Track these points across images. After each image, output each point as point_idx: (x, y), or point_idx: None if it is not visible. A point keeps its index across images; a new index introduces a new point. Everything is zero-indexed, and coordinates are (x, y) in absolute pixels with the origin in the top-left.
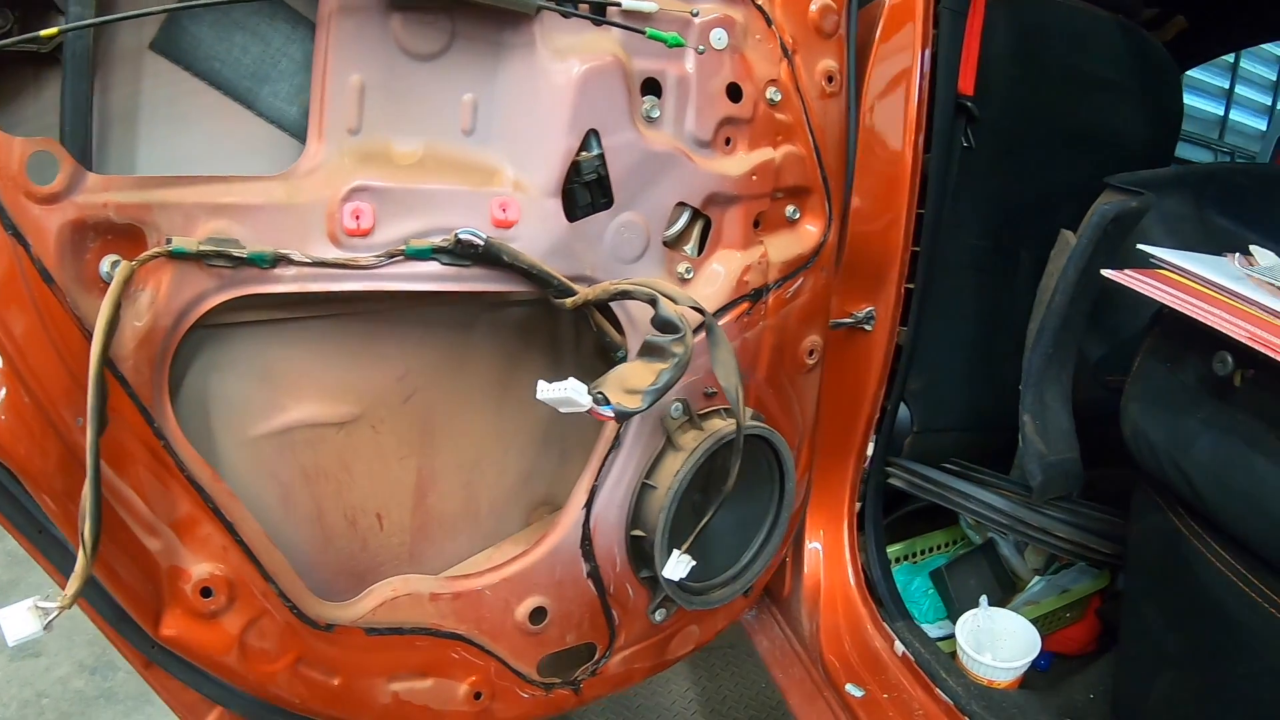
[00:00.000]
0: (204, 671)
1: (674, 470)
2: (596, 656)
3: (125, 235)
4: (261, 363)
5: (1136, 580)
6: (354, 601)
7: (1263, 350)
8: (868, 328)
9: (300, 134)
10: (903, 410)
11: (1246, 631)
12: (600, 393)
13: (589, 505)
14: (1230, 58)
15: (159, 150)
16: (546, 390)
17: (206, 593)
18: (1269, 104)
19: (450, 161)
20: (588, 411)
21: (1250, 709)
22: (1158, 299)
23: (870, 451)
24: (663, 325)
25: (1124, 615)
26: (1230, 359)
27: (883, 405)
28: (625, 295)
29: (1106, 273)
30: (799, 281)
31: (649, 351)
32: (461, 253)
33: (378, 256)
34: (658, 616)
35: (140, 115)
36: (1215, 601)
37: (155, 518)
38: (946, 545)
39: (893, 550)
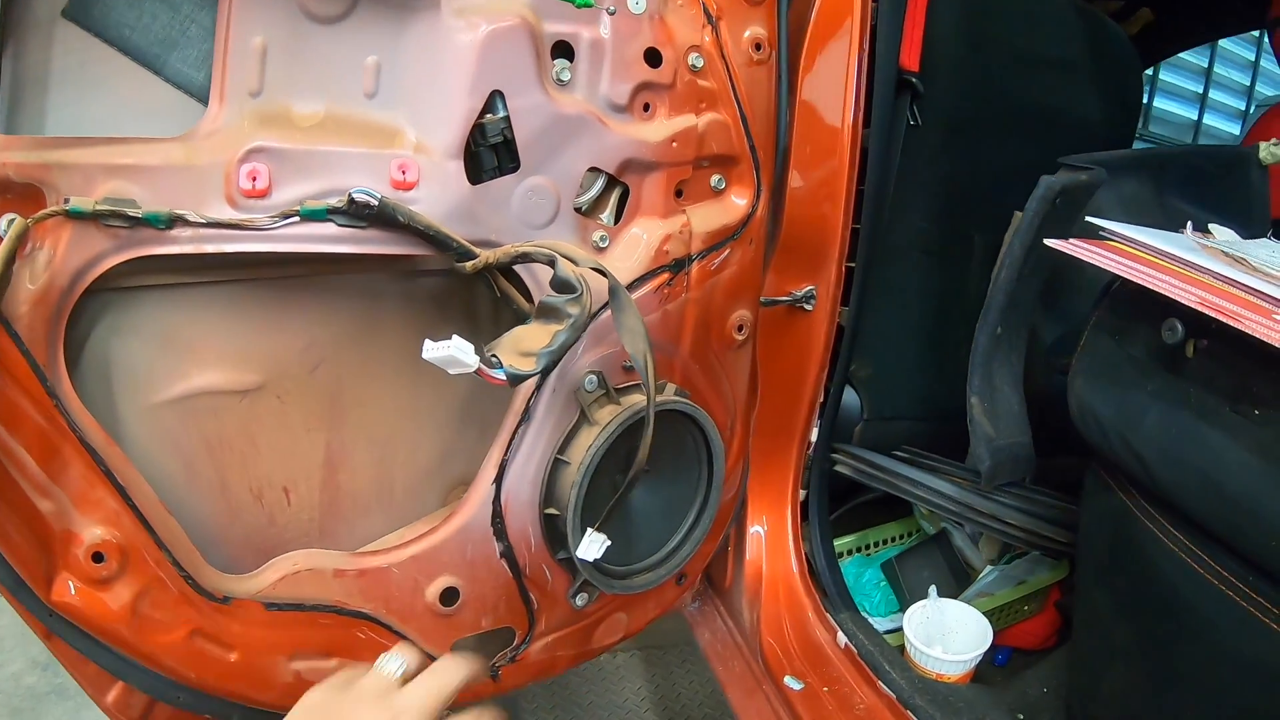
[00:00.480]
0: (101, 642)
1: (587, 445)
2: (515, 642)
3: (25, 195)
4: (163, 328)
5: (1088, 567)
6: (254, 575)
7: (1214, 315)
8: (807, 307)
9: (207, 99)
10: (852, 397)
11: (1199, 617)
12: (494, 355)
13: (499, 481)
14: (1204, 61)
15: (69, 115)
16: (432, 349)
17: (98, 558)
18: (1242, 108)
19: (351, 124)
20: (475, 373)
21: (1203, 699)
22: (1103, 267)
23: (814, 437)
24: (560, 286)
25: (1076, 605)
26: (1180, 326)
27: (826, 388)
28: (525, 258)
29: (1050, 242)
30: (725, 254)
31: (545, 313)
32: (356, 213)
33: (273, 218)
34: (579, 601)
35: (51, 80)
36: (1167, 585)
37: (47, 479)
38: (901, 537)
39: (844, 542)
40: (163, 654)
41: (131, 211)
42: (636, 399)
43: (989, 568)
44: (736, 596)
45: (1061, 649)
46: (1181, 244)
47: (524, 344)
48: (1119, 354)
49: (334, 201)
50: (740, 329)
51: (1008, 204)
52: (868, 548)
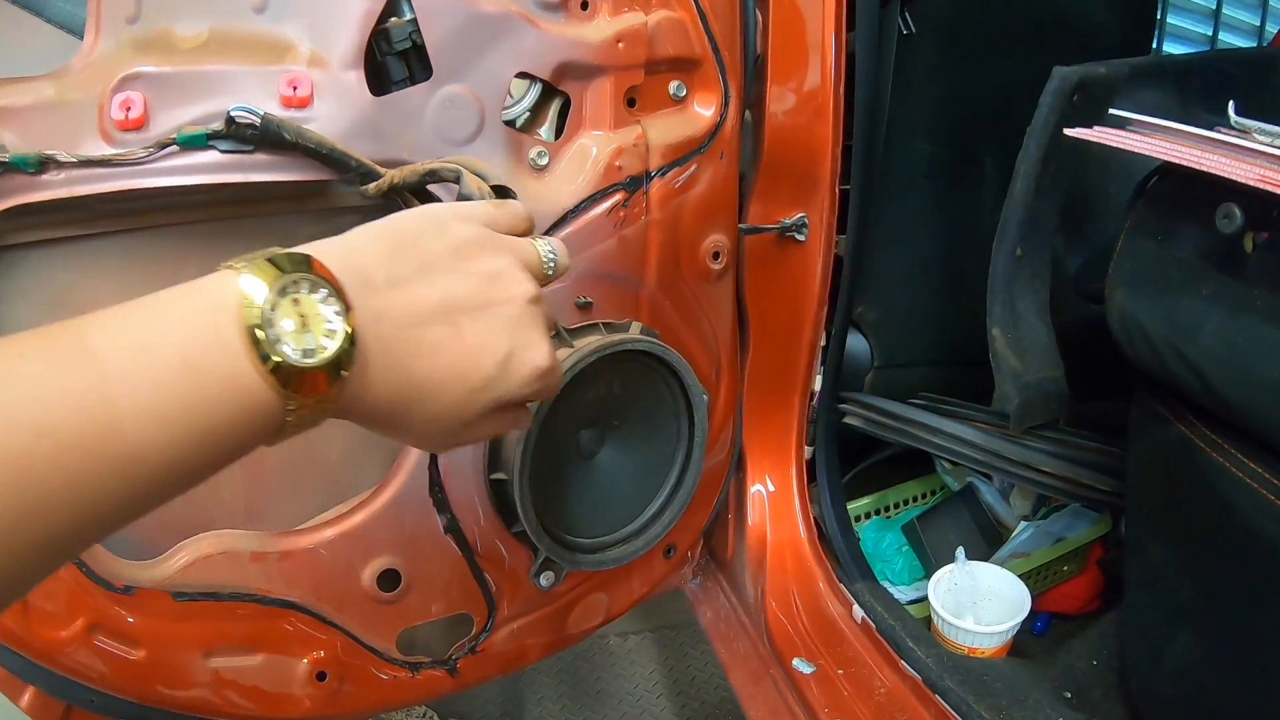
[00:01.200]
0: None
1: None
2: (474, 631)
3: None
4: (53, 288)
5: (1140, 516)
6: (159, 560)
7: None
8: (799, 237)
9: None
10: (860, 344)
11: None
12: None
13: None
14: None
15: None
16: None
17: None
18: (1258, 23)
19: (238, 41)
20: None
21: None
22: (1141, 151)
23: (817, 386)
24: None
25: (1126, 563)
26: (1238, 212)
27: (827, 330)
28: (434, 176)
29: (1071, 131)
30: (691, 169)
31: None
32: (239, 136)
33: (149, 149)
34: (543, 581)
35: None
36: (1242, 528)
37: None
38: (923, 496)
39: (861, 504)
40: (59, 652)
41: None
42: (593, 340)
43: (1023, 524)
44: (739, 569)
45: (1110, 614)
46: (1221, 135)
47: None
48: (1164, 257)
49: (214, 126)
50: (716, 256)
51: (1019, 123)
52: (887, 509)
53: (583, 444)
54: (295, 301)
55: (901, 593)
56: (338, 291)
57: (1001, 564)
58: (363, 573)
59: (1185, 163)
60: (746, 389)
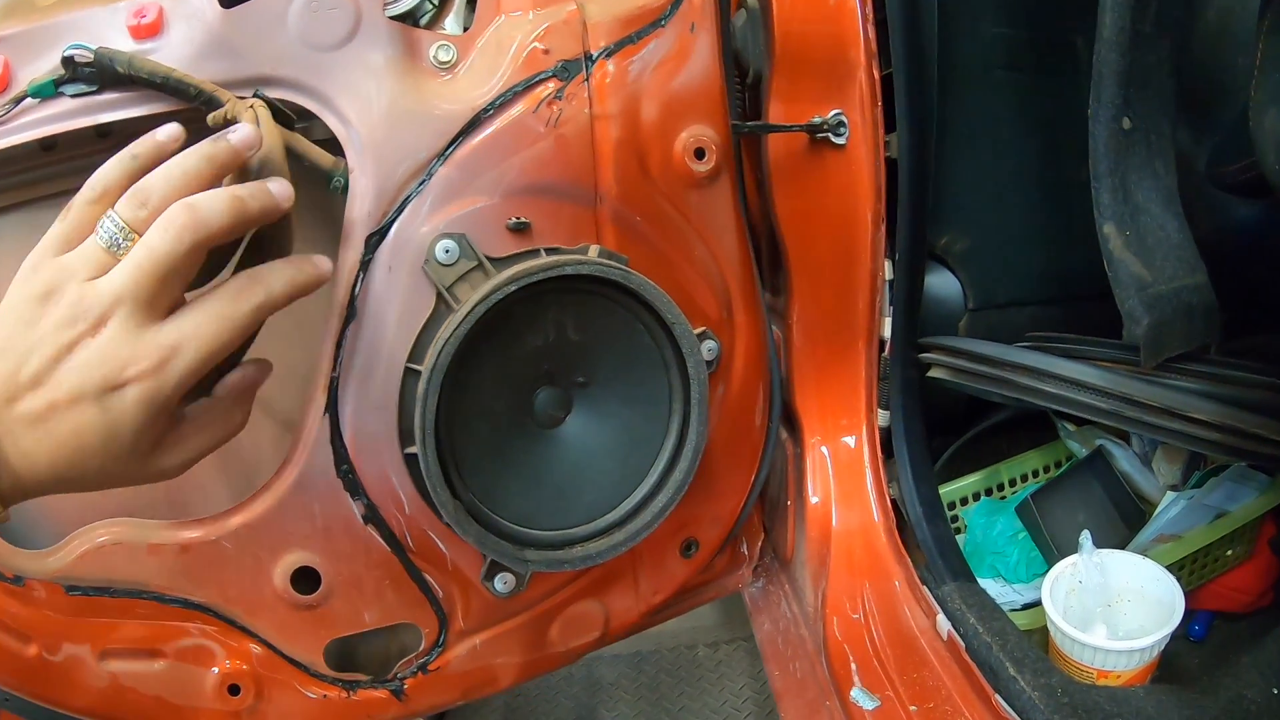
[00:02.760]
0: None
1: (443, 340)
2: (423, 646)
3: None
4: None
5: None
6: (53, 550)
7: None
8: (837, 139)
9: None
10: (950, 282)
11: None
12: None
13: (332, 409)
14: None
15: None
16: None
17: None
18: None
19: None
20: None
21: None
22: None
23: (887, 332)
24: None
25: None
26: None
27: (890, 256)
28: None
29: None
30: (648, 46)
31: None
32: (81, 76)
33: (5, 106)
34: (499, 586)
35: None
36: None
37: None
38: (1046, 470)
39: (968, 483)
40: None
41: None
42: (520, 267)
43: (1170, 495)
44: (799, 568)
45: None
46: None
47: None
48: None
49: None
50: (701, 155)
51: None
52: (1000, 488)
53: (539, 410)
54: None
55: (1019, 593)
56: None
57: (1143, 551)
58: (273, 570)
59: None
60: (796, 337)
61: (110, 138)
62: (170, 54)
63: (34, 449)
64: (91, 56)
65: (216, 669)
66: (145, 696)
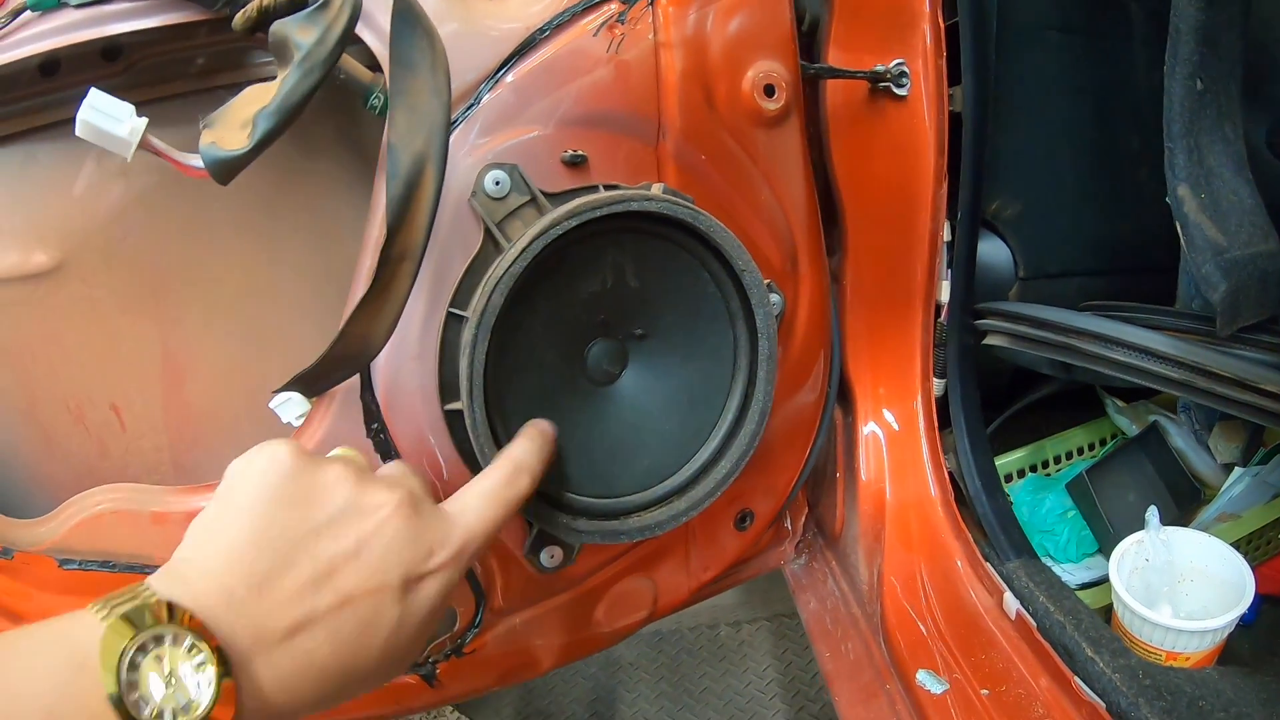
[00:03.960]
0: None
1: (494, 280)
2: (457, 626)
3: None
4: None
5: None
6: (45, 519)
7: None
8: (899, 90)
9: None
10: (1001, 250)
11: None
12: (205, 126)
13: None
14: None
15: None
16: (82, 112)
17: None
18: None
19: None
20: (138, 150)
21: None
22: None
23: (944, 297)
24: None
25: None
26: None
27: (951, 217)
28: None
29: None
30: None
31: (279, 52)
32: None
33: (3, 18)
34: (545, 560)
35: None
36: None
37: None
38: (1091, 447)
39: (1013, 459)
40: None
41: None
42: (581, 201)
43: (1237, 471)
44: (850, 545)
45: None
46: None
47: (249, 107)
48: None
49: None
50: (770, 92)
51: None
52: (1045, 465)
53: (593, 364)
54: (159, 658)
55: (1070, 573)
56: (203, 636)
57: (1207, 530)
58: None
59: None
60: (849, 300)
61: (119, 60)
62: None
63: (295, 666)
64: None
65: None
66: None
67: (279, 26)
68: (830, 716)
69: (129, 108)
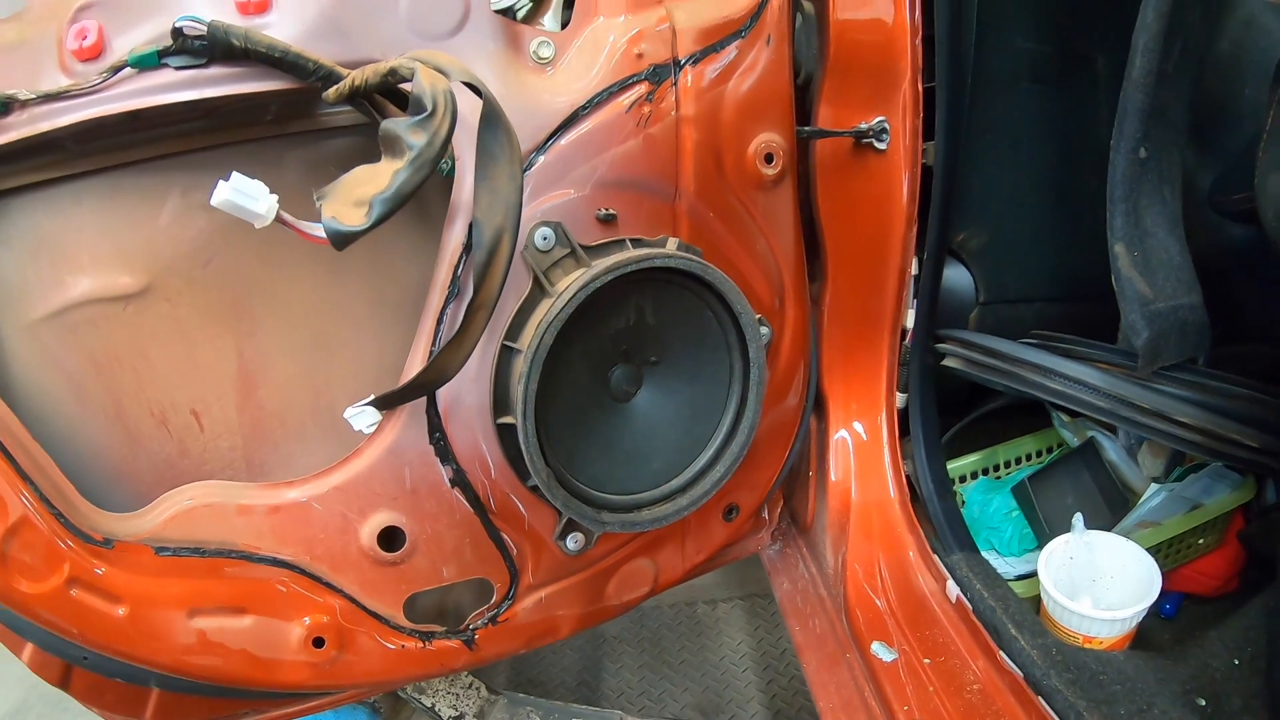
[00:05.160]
0: None
1: (539, 322)
2: (495, 599)
3: None
4: (33, 234)
5: None
6: (141, 513)
7: None
8: (879, 144)
9: None
10: (964, 276)
11: None
12: (320, 201)
13: None
14: None
15: None
16: (222, 191)
17: None
18: None
19: None
20: (273, 223)
21: None
22: None
23: (910, 323)
24: (414, 106)
25: None
26: None
27: (919, 254)
28: (395, 74)
29: None
30: (730, 55)
31: (388, 145)
32: (189, 49)
33: (102, 74)
34: (570, 544)
35: None
36: None
37: None
38: (1039, 454)
39: (966, 463)
40: (39, 605)
41: None
42: (616, 258)
43: (1153, 487)
44: (819, 535)
45: (1257, 599)
46: None
47: (361, 189)
48: None
49: (166, 43)
50: (770, 159)
51: (1134, 10)
52: (995, 469)
53: (615, 384)
54: None
55: (1011, 565)
56: None
57: (1127, 534)
58: (361, 529)
59: None
60: (826, 323)
61: (209, 116)
62: (277, 32)
63: None
64: (203, 29)
65: (303, 623)
66: (232, 651)
67: (390, 126)
68: (796, 688)
69: (263, 187)
